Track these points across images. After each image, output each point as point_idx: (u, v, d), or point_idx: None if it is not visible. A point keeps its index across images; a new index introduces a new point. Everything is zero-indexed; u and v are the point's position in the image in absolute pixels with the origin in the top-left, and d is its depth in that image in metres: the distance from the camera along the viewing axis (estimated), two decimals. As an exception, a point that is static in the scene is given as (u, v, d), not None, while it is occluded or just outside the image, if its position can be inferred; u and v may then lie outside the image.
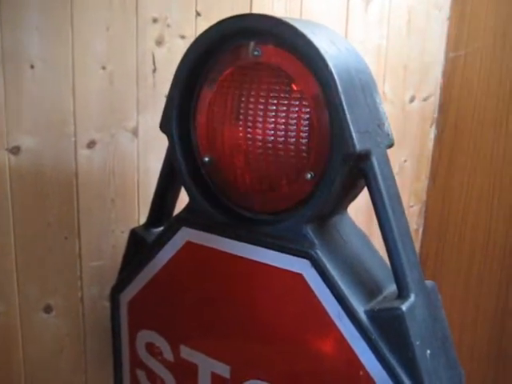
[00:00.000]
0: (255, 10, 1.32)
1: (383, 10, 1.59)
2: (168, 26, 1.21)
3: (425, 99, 1.76)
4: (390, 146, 0.85)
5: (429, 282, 0.86)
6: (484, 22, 1.66)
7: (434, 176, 1.85)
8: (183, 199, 1.00)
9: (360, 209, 1.16)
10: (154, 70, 1.22)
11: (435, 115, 1.81)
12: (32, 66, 1.08)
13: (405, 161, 1.75)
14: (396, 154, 1.53)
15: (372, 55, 1.59)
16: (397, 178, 0.85)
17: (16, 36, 1.06)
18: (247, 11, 1.31)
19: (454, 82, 1.76)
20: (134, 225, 1.23)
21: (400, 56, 1.66)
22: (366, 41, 1.56)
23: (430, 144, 1.83)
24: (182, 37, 1.23)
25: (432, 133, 1.82)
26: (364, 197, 0.88)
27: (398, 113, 1.70)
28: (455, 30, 1.72)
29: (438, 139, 1.82)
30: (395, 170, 0.85)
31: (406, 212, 0.86)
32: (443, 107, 1.80)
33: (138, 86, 1.21)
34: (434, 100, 1.80)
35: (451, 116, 1.78)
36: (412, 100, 1.73)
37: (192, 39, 0.90)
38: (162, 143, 1.02)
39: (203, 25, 1.23)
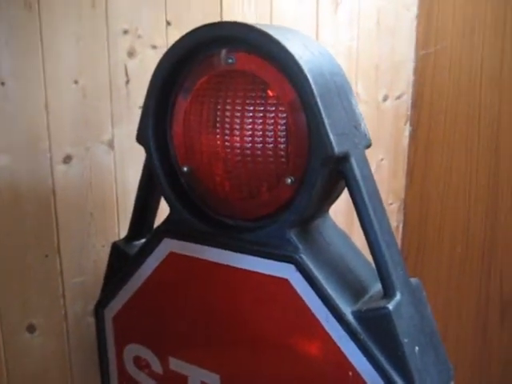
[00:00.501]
0: (226, 17, 1.32)
1: (352, 11, 1.60)
2: (139, 36, 1.21)
3: (398, 97, 1.78)
4: (368, 146, 0.86)
5: (413, 280, 0.87)
6: (452, 19, 1.69)
7: (410, 173, 1.87)
8: (163, 210, 1.00)
9: (340, 211, 1.17)
10: (127, 82, 1.21)
11: (409, 113, 1.83)
12: (3, 84, 1.07)
13: (381, 159, 1.77)
14: (372, 153, 1.55)
15: (343, 57, 1.60)
16: (374, 176, 0.85)
17: (-15, 54, 1.04)
18: (217, 19, 1.31)
19: (425, 80, 1.78)
20: (115, 238, 1.22)
21: (371, 56, 1.68)
22: (336, 43, 1.57)
23: (406, 141, 1.85)
24: (154, 47, 1.23)
25: (407, 130, 1.84)
26: (343, 198, 0.89)
27: (373, 112, 1.71)
28: (424, 29, 1.75)
29: (413, 136, 1.84)
30: (372, 168, 0.86)
31: (386, 210, 0.87)
32: (416, 104, 1.82)
33: (112, 99, 1.20)
34: (407, 98, 1.82)
35: (424, 113, 1.80)
36: (385, 99, 1.75)
37: (163, 49, 0.90)
38: (138, 154, 1.01)
39: (174, 34, 1.22)
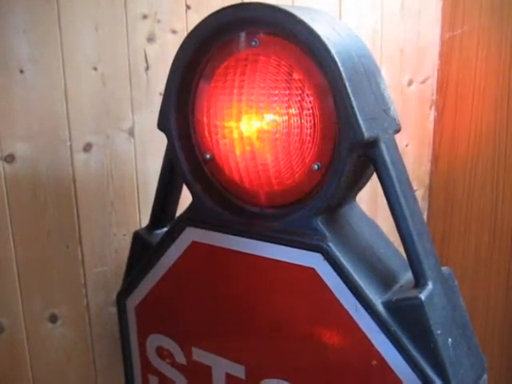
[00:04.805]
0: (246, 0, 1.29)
1: (376, -7, 1.56)
2: (158, 21, 1.18)
3: (423, 82, 1.74)
4: (397, 131, 0.83)
5: (445, 269, 0.84)
6: (480, -2, 1.63)
7: (436, 159, 1.82)
8: (183, 201, 0.98)
9: (363, 198, 1.14)
10: (147, 68, 1.19)
11: (434, 97, 1.79)
12: (21, 71, 1.05)
13: (406, 145, 1.73)
14: (397, 138, 1.52)
15: (367, 40, 1.54)
16: (400, 162, 0.82)
17: (3, 40, 1.03)
18: (237, 1, 1.27)
19: (451, 63, 1.73)
20: (136, 227, 1.20)
21: (395, 40, 1.63)
22: (360, 26, 1.53)
23: (431, 127, 1.81)
24: (174, 31, 1.20)
25: (432, 115, 1.80)
26: (366, 185, 0.86)
27: (397, 97, 1.67)
28: (450, 10, 1.70)
29: (438, 121, 1.79)
30: (397, 155, 0.83)
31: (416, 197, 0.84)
32: (441, 89, 1.77)
33: (132, 85, 1.18)
34: (432, 82, 1.77)
35: (450, 97, 1.75)
36: (410, 83, 1.70)
37: (183, 33, 0.88)
38: (159, 142, 1.00)
39: (194, 18, 1.20)
